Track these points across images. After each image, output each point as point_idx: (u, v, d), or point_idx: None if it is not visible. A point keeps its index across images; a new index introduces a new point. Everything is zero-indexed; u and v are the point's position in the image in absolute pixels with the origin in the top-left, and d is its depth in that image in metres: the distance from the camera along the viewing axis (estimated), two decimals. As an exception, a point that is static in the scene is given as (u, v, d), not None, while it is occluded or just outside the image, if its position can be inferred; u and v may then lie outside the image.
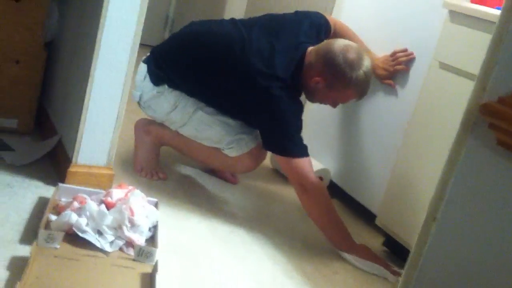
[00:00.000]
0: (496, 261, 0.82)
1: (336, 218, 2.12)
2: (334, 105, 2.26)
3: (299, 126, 2.15)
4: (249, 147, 2.23)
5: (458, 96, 1.89)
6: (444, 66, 1.95)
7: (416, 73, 2.20)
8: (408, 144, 2.09)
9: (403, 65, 2.23)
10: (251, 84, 2.12)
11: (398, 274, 2.01)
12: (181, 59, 2.24)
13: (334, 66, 2.10)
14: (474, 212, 0.85)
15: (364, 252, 2.07)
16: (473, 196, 0.85)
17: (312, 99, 2.27)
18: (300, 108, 2.17)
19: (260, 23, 2.25)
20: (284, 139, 2.13)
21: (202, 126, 2.23)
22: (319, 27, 2.32)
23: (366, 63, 2.12)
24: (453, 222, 0.87)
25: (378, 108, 2.37)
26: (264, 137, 2.20)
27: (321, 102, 2.29)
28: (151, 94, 2.24)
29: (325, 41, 2.20)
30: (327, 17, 2.39)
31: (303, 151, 2.11)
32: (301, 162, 2.10)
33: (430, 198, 0.97)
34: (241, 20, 2.33)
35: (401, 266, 2.11)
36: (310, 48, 2.19)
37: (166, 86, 2.23)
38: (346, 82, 2.11)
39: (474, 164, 0.86)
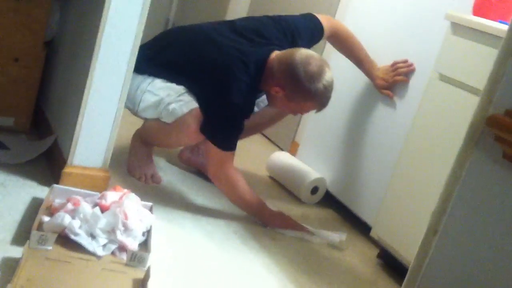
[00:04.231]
0: (499, 276, 0.81)
1: (250, 200, 2.22)
2: (294, 114, 2.29)
3: (241, 124, 2.15)
4: (188, 107, 2.12)
5: (458, 108, 1.88)
6: (444, 78, 1.94)
7: (416, 84, 2.20)
8: (406, 156, 2.07)
9: (403, 76, 2.23)
10: (206, 73, 2.15)
11: (311, 232, 2.24)
12: (152, 48, 2.28)
13: (294, 79, 2.09)
14: (477, 226, 0.83)
15: (282, 221, 2.24)
16: (477, 209, 0.84)
17: (272, 105, 2.27)
18: (249, 109, 2.17)
19: (234, 22, 2.31)
20: (223, 130, 2.15)
21: (149, 95, 2.19)
22: (296, 34, 2.29)
23: (327, 76, 2.10)
24: (455, 236, 0.86)
25: (377, 119, 2.36)
26: (205, 120, 2.14)
27: (281, 110, 2.31)
28: None
29: (288, 50, 2.16)
30: (323, 19, 2.36)
31: (232, 146, 2.16)
32: (226, 155, 2.15)
33: (427, 212, 0.96)
34: (220, 21, 2.39)
35: (396, 279, 2.10)
36: (275, 53, 2.17)
37: (134, 73, 2.19)
38: (305, 94, 2.11)
39: (478, 178, 0.84)
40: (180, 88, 2.18)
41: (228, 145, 2.15)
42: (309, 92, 2.09)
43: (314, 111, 2.21)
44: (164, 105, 2.16)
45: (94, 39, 1.89)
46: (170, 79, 2.21)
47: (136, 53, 1.94)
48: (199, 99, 2.17)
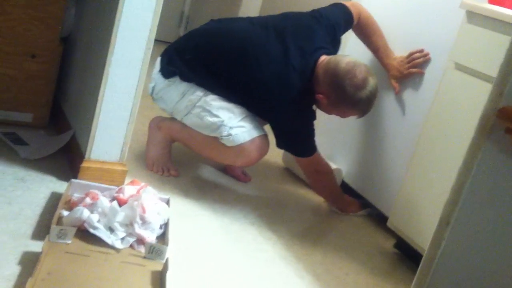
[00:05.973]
0: (510, 267, 0.81)
1: (338, 190, 2.43)
2: (336, 115, 2.29)
3: (311, 131, 2.21)
4: (251, 135, 2.15)
5: (474, 97, 1.87)
6: (460, 67, 1.93)
7: (431, 74, 2.19)
8: (422, 146, 2.07)
9: (418, 69, 2.22)
10: (263, 91, 2.15)
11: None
12: (197, 55, 2.23)
13: (339, 89, 2.12)
14: (488, 217, 0.84)
15: (355, 206, 2.45)
16: (488, 201, 0.84)
17: (316, 107, 2.30)
18: (312, 115, 2.21)
19: (276, 24, 2.24)
20: (298, 143, 2.23)
21: (204, 113, 2.17)
22: (337, 28, 2.31)
23: (370, 85, 2.12)
24: (467, 227, 0.86)
25: (393, 109, 2.35)
26: (278, 138, 2.23)
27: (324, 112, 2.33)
28: (163, 84, 2.24)
29: (332, 58, 2.16)
30: (351, 7, 2.37)
31: (314, 150, 2.24)
32: (314, 158, 2.26)
33: (443, 202, 0.96)
34: (258, 19, 2.35)
35: (412, 269, 2.10)
36: (322, 58, 2.17)
37: (177, 77, 2.22)
38: (348, 104, 2.15)
39: (489, 169, 0.84)
40: (241, 111, 2.17)
41: (311, 150, 2.23)
42: (352, 102, 2.13)
43: (356, 117, 2.26)
44: (226, 129, 2.14)
45: (109, 34, 1.90)
46: (224, 96, 2.19)
47: (151, 47, 1.95)
48: (261, 117, 2.22)
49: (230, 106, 2.17)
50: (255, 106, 2.20)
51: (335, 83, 2.11)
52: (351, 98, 2.12)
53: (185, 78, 2.21)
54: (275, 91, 2.13)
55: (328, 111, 2.24)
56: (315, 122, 2.24)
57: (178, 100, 2.22)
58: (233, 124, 2.15)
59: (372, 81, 2.13)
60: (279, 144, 2.25)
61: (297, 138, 2.22)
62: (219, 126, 2.15)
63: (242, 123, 2.16)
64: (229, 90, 2.20)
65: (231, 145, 2.15)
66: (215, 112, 2.16)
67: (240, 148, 2.15)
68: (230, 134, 2.14)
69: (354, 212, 2.43)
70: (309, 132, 2.21)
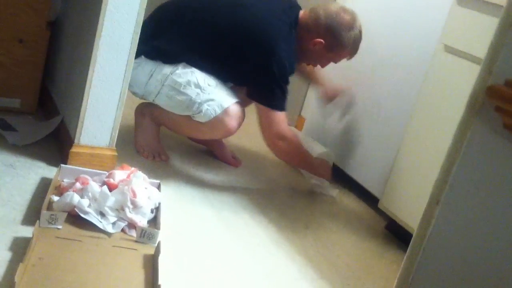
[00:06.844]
0: (500, 246, 0.82)
1: (304, 155, 2.36)
2: (324, 65, 2.35)
3: (287, 85, 2.20)
4: (222, 107, 2.12)
5: (464, 79, 1.87)
6: (450, 50, 1.93)
7: (421, 56, 2.19)
8: (412, 127, 2.08)
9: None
10: (252, 41, 2.14)
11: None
12: (172, 27, 2.21)
13: (333, 29, 2.20)
14: (478, 196, 0.84)
15: (324, 168, 2.46)
16: (477, 179, 0.85)
17: (305, 60, 2.32)
18: (293, 66, 2.21)
19: None
20: (273, 91, 2.17)
21: (172, 92, 2.15)
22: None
23: (358, 24, 2.23)
24: (457, 206, 0.87)
25: (383, 91, 2.36)
26: (252, 87, 2.21)
27: (312, 63, 2.37)
28: None
29: (317, 5, 2.26)
30: None
31: (284, 105, 2.21)
32: (281, 115, 2.20)
33: (433, 182, 0.97)
34: None
35: (404, 250, 2.11)
36: (302, 12, 2.26)
37: (142, 57, 2.18)
38: (343, 42, 2.22)
39: (479, 148, 0.85)
40: (209, 82, 2.14)
41: (284, 104, 2.21)
42: (348, 40, 2.21)
43: (346, 59, 2.32)
44: (195, 105, 2.12)
45: (97, 17, 1.89)
46: (193, 64, 2.16)
47: (139, 31, 1.93)
48: (235, 72, 2.20)
49: (198, 78, 2.14)
50: (237, 61, 2.17)
51: (328, 23, 2.19)
52: (345, 35, 2.19)
53: (152, 55, 2.18)
54: (260, 35, 2.14)
55: (321, 56, 2.28)
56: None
57: (146, 82, 2.18)
58: (202, 99, 2.13)
59: (358, 22, 2.23)
60: (251, 94, 2.21)
61: (272, 88, 2.16)
62: (188, 104, 2.14)
63: (211, 96, 2.13)
64: (211, 51, 2.18)
65: (204, 120, 2.14)
66: (182, 90, 2.14)
67: (214, 122, 2.14)
68: (200, 111, 2.13)
69: (322, 176, 2.42)
70: (285, 85, 2.18)
